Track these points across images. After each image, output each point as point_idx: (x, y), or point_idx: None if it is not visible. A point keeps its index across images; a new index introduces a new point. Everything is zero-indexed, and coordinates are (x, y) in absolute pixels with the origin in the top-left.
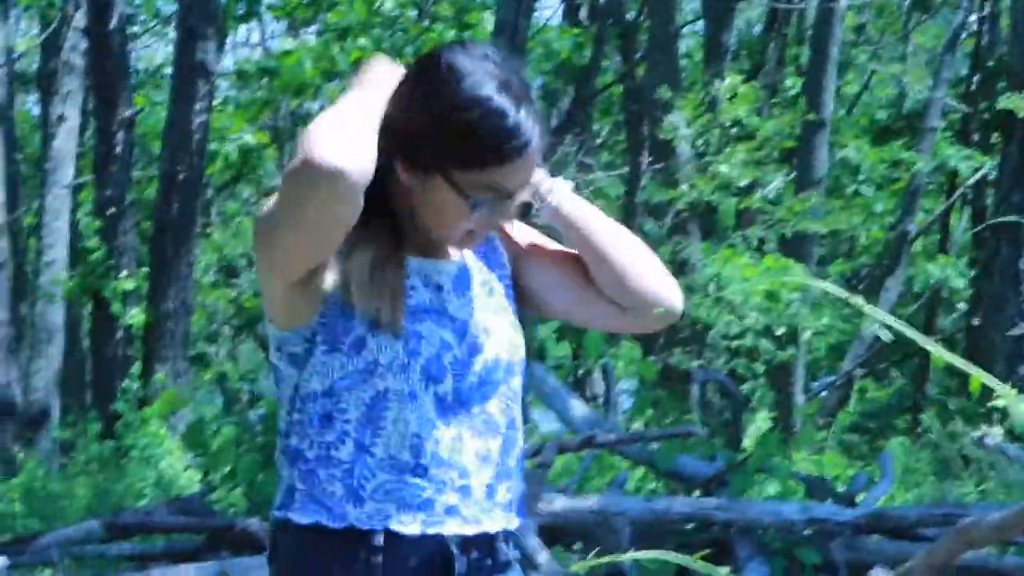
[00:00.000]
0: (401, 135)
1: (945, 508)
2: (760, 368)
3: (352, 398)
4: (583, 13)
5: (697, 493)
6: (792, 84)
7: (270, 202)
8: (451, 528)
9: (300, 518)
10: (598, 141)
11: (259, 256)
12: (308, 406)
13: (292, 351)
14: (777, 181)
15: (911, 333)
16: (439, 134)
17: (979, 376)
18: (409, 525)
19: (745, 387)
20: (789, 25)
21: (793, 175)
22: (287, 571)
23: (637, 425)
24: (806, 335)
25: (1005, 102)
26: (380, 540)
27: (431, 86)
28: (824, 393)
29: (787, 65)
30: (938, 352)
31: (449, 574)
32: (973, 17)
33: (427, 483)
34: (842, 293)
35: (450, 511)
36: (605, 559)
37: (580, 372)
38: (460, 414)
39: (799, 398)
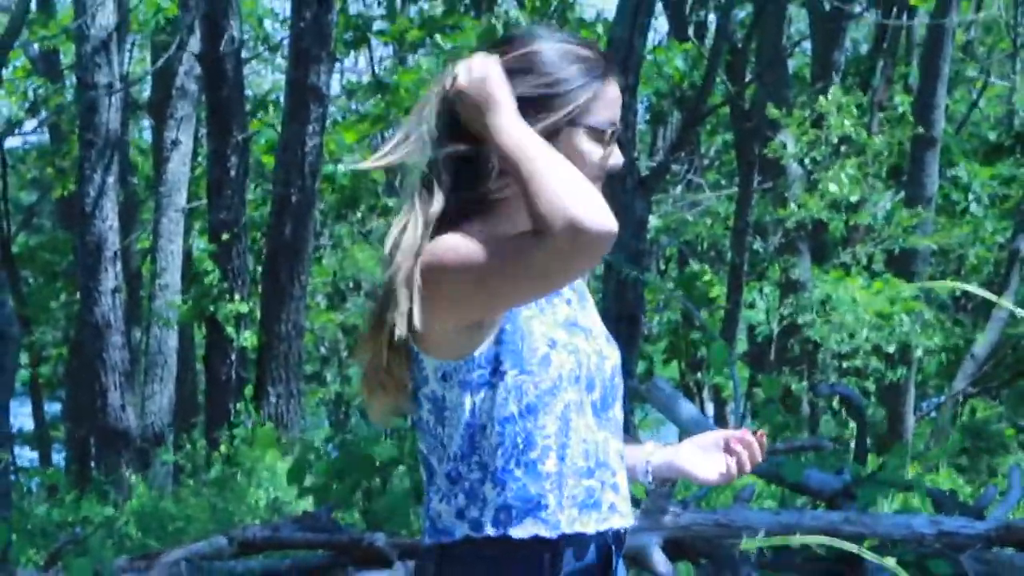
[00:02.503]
0: (532, 112)
1: None
2: (871, 387)
3: (548, 414)
4: (690, 31)
5: (823, 507)
6: (900, 102)
7: (447, 250)
8: (614, 523)
9: (520, 533)
10: (706, 161)
11: (433, 301)
12: (506, 428)
13: (465, 378)
14: (886, 199)
15: None
16: (562, 85)
17: None
18: (588, 525)
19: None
20: (897, 43)
21: (902, 193)
22: None
23: None
24: (918, 352)
25: None
26: (589, 544)
27: (527, 58)
28: (933, 413)
29: (895, 83)
30: None
31: (609, 567)
32: None
33: (596, 484)
34: (986, 294)
35: (611, 508)
36: (767, 542)
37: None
38: (603, 418)
39: (911, 418)
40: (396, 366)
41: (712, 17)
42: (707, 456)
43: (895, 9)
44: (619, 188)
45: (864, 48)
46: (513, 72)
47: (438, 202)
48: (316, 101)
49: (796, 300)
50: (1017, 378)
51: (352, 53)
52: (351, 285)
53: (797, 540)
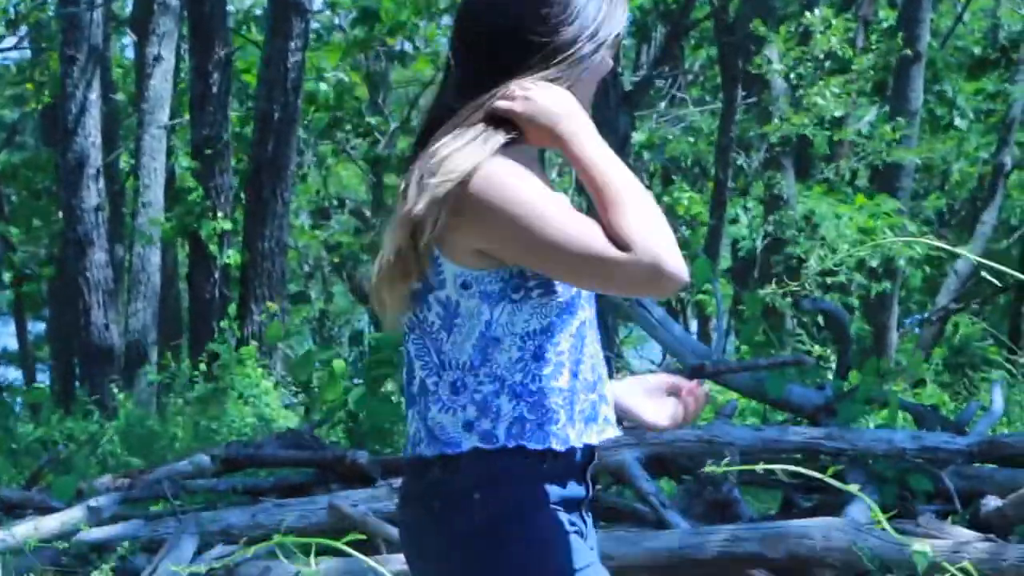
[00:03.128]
0: (566, 51)
1: None
2: (855, 302)
3: (564, 331)
4: None
5: (805, 423)
6: (886, 17)
7: (514, 199)
8: (608, 434)
9: (535, 445)
10: (690, 76)
11: (471, 228)
12: (526, 343)
13: (486, 289)
14: (871, 114)
15: (1006, 270)
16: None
17: None
18: (591, 437)
19: None
20: None
21: (886, 108)
22: (525, 494)
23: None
24: (900, 263)
25: None
26: (579, 456)
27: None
28: (918, 329)
29: None
30: None
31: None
32: None
33: (597, 397)
34: (934, 243)
35: (606, 420)
36: (735, 468)
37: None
38: (598, 331)
39: (894, 333)
40: (413, 263)
41: None
42: (655, 400)
43: None
44: (602, 103)
45: None
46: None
47: (505, 135)
48: (298, 16)
49: (780, 216)
50: (1001, 292)
51: None
52: (335, 203)
53: (761, 467)
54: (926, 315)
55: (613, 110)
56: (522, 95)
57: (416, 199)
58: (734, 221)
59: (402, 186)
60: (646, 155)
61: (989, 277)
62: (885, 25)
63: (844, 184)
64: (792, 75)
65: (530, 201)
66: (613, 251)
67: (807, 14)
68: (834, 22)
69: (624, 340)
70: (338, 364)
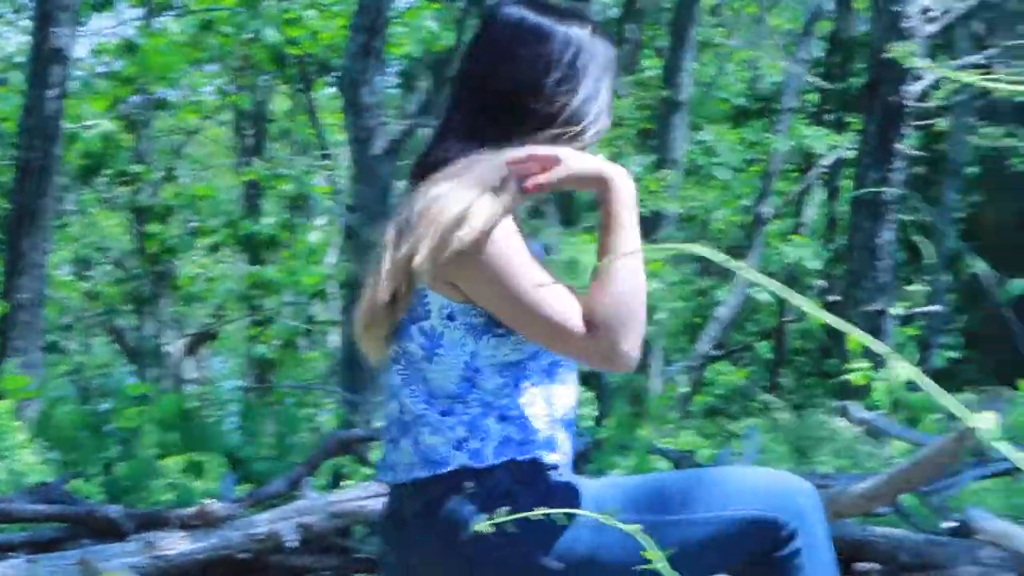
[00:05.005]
0: (566, 117)
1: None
2: None
3: (537, 363)
4: None
5: None
6: (650, 66)
7: (511, 261)
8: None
9: (523, 457)
10: None
11: (461, 270)
12: (507, 372)
13: (471, 321)
14: (636, 163)
15: (789, 294)
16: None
17: (858, 337)
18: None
19: None
20: (646, 8)
21: (651, 158)
22: (557, 495)
23: None
24: (662, 315)
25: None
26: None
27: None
28: (679, 377)
29: (644, 47)
30: (818, 314)
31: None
32: None
33: (568, 437)
34: (723, 258)
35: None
36: (495, 522)
37: None
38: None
39: (656, 380)
40: (405, 301)
41: None
42: None
43: None
44: (364, 152)
45: (614, 12)
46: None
47: (520, 200)
48: (59, 64)
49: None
50: (764, 338)
51: (101, 14)
52: (97, 252)
53: (540, 513)
54: (687, 364)
55: (377, 159)
56: (554, 159)
57: (419, 246)
58: None
59: (393, 229)
60: None
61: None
62: (650, 74)
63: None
64: None
65: (517, 262)
66: (575, 327)
67: None
68: None
69: None
70: (94, 417)
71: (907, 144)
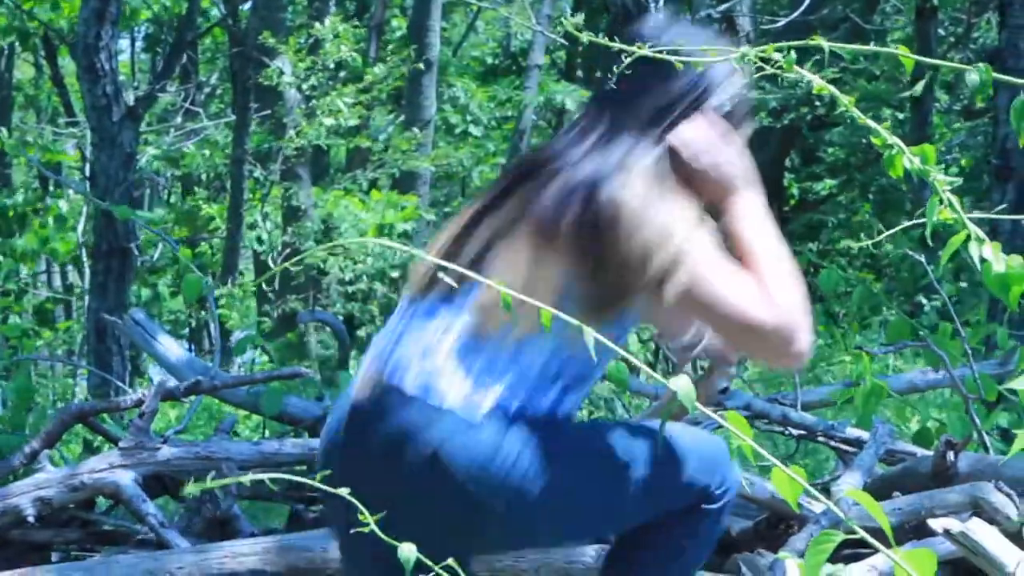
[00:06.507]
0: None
1: None
2: (376, 311)
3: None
4: None
5: (306, 434)
6: (399, 26)
7: (727, 300)
8: None
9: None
10: (207, 90)
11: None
12: (555, 379)
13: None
14: (387, 123)
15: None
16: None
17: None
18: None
19: (363, 331)
20: None
21: (402, 117)
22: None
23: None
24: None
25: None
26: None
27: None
28: None
29: (392, 7)
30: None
31: None
32: None
33: None
34: (402, 247)
35: None
36: (217, 483)
37: (194, 324)
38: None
39: None
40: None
41: None
42: None
43: None
44: (105, 118)
45: None
46: None
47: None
48: None
49: (297, 227)
50: None
51: None
52: None
53: (248, 478)
54: None
55: (116, 125)
56: (706, 149)
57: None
58: (253, 227)
59: (535, 184)
60: (164, 169)
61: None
62: (398, 34)
63: (364, 193)
64: (305, 86)
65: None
66: (763, 316)
67: (316, 24)
68: (342, 30)
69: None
70: None
71: None
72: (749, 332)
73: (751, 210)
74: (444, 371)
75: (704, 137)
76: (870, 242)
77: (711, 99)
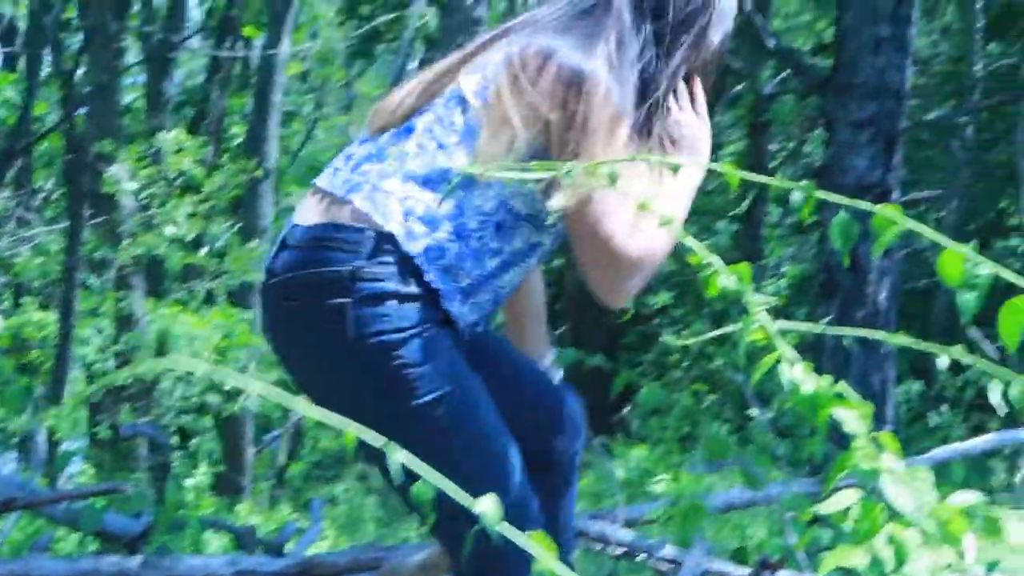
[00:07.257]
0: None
1: (374, 552)
2: (209, 423)
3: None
4: (21, 63)
5: (124, 552)
6: (238, 133)
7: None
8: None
9: (449, 304)
10: (44, 195)
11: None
12: (500, 229)
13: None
14: (224, 232)
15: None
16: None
17: None
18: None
19: (195, 441)
20: (232, 74)
21: (239, 225)
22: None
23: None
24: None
25: None
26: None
27: None
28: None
29: (231, 114)
30: None
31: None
32: (413, 65)
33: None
34: (232, 374)
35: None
36: None
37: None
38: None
39: (250, 450)
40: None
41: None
42: None
43: (230, 39)
44: None
45: (200, 78)
46: None
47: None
48: None
49: (129, 338)
50: None
51: None
52: None
53: None
54: (279, 432)
55: None
56: (679, 123)
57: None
58: (84, 341)
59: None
60: None
61: None
62: (235, 142)
63: (200, 304)
64: (143, 195)
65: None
66: (630, 245)
67: (159, 135)
68: (186, 143)
69: None
70: None
71: None
72: (607, 246)
73: (683, 178)
74: (393, 195)
75: (692, 122)
76: (694, 351)
77: (713, 29)
